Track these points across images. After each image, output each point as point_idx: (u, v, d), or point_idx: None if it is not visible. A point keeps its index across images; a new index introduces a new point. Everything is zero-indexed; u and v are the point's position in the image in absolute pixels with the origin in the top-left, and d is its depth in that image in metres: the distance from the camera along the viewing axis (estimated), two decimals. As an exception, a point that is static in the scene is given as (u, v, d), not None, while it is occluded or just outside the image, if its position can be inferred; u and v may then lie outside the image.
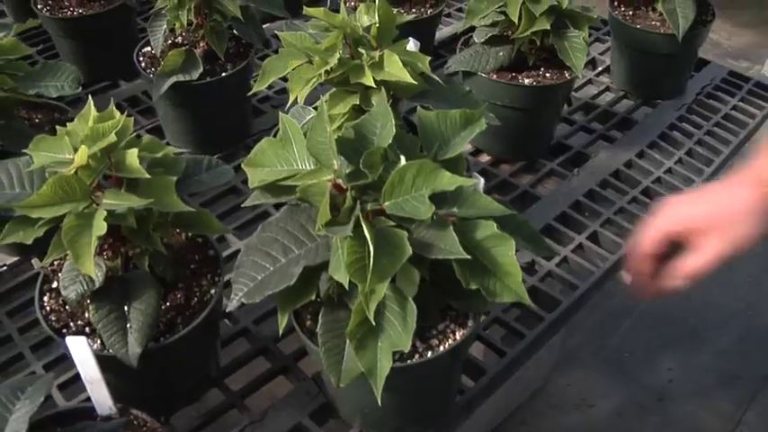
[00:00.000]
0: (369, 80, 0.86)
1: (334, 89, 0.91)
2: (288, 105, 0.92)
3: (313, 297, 0.73)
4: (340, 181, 0.68)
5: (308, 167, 0.73)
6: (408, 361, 0.74)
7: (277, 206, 1.15)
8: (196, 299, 0.84)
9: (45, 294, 0.85)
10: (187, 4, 1.15)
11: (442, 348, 0.76)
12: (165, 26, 1.21)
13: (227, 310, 0.72)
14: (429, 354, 0.75)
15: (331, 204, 0.67)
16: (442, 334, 0.77)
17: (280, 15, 1.29)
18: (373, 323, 0.66)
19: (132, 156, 0.73)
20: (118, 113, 0.77)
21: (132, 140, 0.76)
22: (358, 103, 0.88)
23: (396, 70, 0.86)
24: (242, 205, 0.79)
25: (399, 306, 0.67)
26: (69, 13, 1.42)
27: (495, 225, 0.67)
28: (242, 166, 0.75)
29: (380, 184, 0.67)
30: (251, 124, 1.35)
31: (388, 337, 0.67)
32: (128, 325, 0.77)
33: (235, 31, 1.24)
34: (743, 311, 2.04)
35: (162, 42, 1.21)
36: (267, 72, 0.91)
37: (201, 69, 1.18)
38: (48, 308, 0.83)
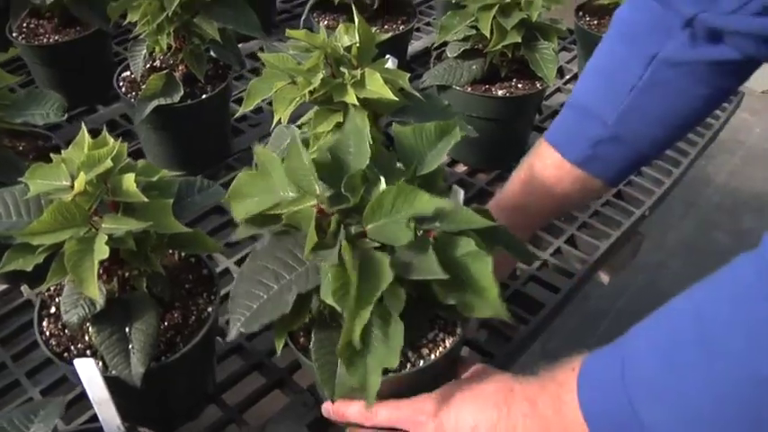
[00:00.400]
0: (352, 98, 0.88)
1: (317, 108, 0.94)
2: (273, 125, 0.94)
3: (307, 320, 0.76)
4: (324, 206, 0.70)
5: (289, 194, 0.74)
6: (402, 371, 0.77)
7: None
8: (194, 317, 0.86)
9: (44, 320, 0.86)
10: (166, 29, 1.18)
11: (433, 357, 0.78)
12: (145, 51, 1.23)
13: (227, 339, 0.74)
14: (421, 363, 0.78)
15: (317, 228, 0.69)
16: (432, 342, 0.80)
17: (256, 36, 1.32)
18: (358, 346, 0.67)
19: (129, 180, 0.75)
20: (111, 140, 0.79)
21: (127, 165, 0.78)
22: (342, 120, 0.91)
23: (377, 88, 0.89)
24: (233, 239, 0.80)
25: (385, 325, 0.69)
26: (45, 40, 1.44)
27: (473, 242, 0.69)
28: (225, 199, 0.77)
29: (363, 206, 0.69)
30: (230, 144, 1.38)
31: (376, 355, 0.69)
32: (130, 346, 0.79)
33: (212, 54, 1.27)
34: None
35: (142, 67, 1.23)
36: (252, 94, 0.94)
37: (182, 92, 1.20)
38: (47, 333, 0.85)
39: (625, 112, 0.90)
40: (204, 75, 1.23)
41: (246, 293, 0.72)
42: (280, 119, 0.93)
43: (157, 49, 1.20)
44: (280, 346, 0.77)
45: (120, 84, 1.28)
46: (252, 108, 0.96)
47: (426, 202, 0.68)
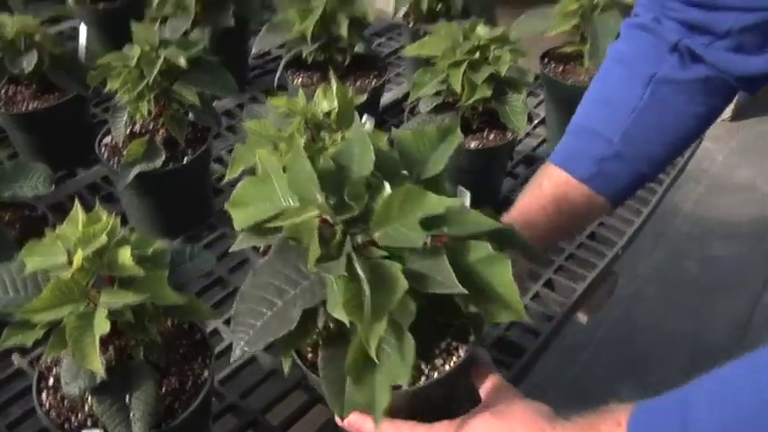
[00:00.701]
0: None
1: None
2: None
3: (314, 336, 0.74)
4: (327, 216, 0.68)
5: (291, 203, 0.72)
6: (416, 384, 0.74)
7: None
8: (190, 382, 0.88)
9: (42, 392, 0.88)
10: (147, 96, 1.21)
11: (447, 367, 0.76)
12: (126, 117, 1.25)
13: (231, 360, 0.73)
14: (435, 374, 0.75)
15: (320, 239, 0.67)
16: (446, 352, 0.77)
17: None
18: (376, 360, 0.65)
19: (125, 255, 0.78)
20: (104, 215, 0.82)
21: (121, 238, 0.81)
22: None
23: (358, 151, 0.92)
24: (230, 250, 0.79)
25: (397, 339, 0.67)
26: (24, 107, 1.45)
27: (488, 246, 0.68)
28: (226, 207, 0.75)
29: (367, 214, 0.68)
30: (212, 204, 1.40)
31: (386, 370, 0.67)
32: (131, 414, 0.81)
33: (191, 116, 1.30)
34: (688, 338, 2.16)
35: (123, 133, 1.26)
36: (237, 160, 0.97)
37: (163, 157, 1.23)
38: (47, 405, 0.87)
39: (628, 131, 0.97)
40: (185, 138, 1.26)
41: (249, 311, 0.70)
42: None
43: (138, 115, 1.23)
44: (287, 364, 0.75)
45: (102, 150, 1.30)
46: (227, 166, 0.99)
47: (436, 203, 0.66)
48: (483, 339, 0.78)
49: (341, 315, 0.64)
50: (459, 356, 0.77)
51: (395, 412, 0.75)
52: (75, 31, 1.97)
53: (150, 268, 0.80)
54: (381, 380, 0.67)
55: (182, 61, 1.19)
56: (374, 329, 0.64)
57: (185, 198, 1.32)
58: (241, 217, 0.73)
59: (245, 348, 0.69)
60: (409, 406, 0.76)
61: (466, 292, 0.63)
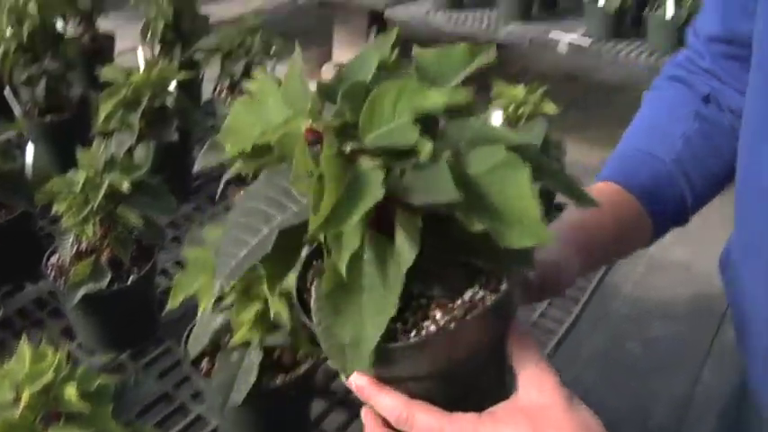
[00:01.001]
0: (271, 289, 0.97)
1: (236, 295, 1.02)
2: (199, 314, 1.02)
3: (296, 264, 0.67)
4: (315, 125, 0.58)
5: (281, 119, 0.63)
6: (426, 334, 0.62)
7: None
8: (137, 507, 0.91)
9: None
10: (92, 219, 1.26)
11: (468, 318, 0.62)
12: (73, 238, 1.30)
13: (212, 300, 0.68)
14: (452, 326, 0.62)
15: (312, 155, 0.57)
16: (470, 302, 0.64)
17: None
18: (344, 275, 0.55)
19: (71, 391, 0.82)
20: (50, 352, 0.86)
21: (67, 375, 0.85)
22: (260, 309, 0.99)
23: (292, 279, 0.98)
24: (223, 180, 0.74)
25: (381, 262, 0.57)
26: (-31, 226, 1.49)
27: (503, 148, 0.56)
28: (218, 138, 0.67)
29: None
30: (158, 318, 1.44)
31: (372, 298, 0.57)
32: None
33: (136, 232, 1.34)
34: (634, 415, 2.24)
35: (70, 254, 1.30)
36: (178, 289, 1.02)
37: (109, 277, 1.27)
38: None
39: (679, 157, 0.96)
40: (130, 257, 1.31)
41: (233, 241, 0.61)
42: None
43: (84, 236, 1.28)
44: (273, 302, 0.71)
45: (49, 269, 1.34)
46: (172, 278, 1.03)
47: (435, 97, 0.56)
48: (515, 292, 0.65)
49: (312, 227, 0.54)
50: (485, 306, 0.63)
51: (409, 376, 0.65)
52: (22, 137, 2.01)
53: (95, 402, 0.85)
54: (369, 310, 0.58)
55: (125, 186, 1.24)
56: (346, 240, 0.55)
57: (130, 314, 1.36)
58: (234, 143, 0.64)
59: (225, 282, 0.62)
60: (424, 368, 0.65)
61: (459, 197, 0.52)
